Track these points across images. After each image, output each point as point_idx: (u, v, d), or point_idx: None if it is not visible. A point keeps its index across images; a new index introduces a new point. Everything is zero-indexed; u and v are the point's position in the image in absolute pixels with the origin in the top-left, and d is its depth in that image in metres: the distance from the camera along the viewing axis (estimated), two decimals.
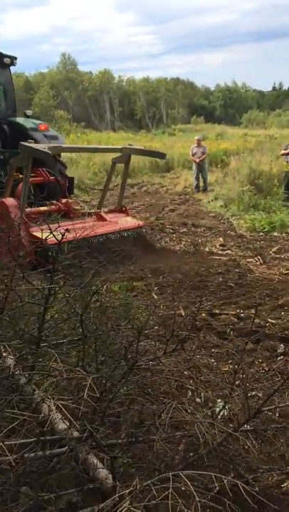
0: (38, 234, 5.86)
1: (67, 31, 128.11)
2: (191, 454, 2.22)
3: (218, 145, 23.19)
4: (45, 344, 2.53)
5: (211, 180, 15.95)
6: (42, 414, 1.93)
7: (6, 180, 7.31)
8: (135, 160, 20.12)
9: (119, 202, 8.50)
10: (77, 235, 4.58)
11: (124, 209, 8.27)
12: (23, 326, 2.79)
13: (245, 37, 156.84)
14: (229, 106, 66.85)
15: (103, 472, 1.97)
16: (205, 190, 14.84)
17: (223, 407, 2.35)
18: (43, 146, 6.52)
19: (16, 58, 8.59)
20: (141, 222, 8.23)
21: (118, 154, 8.13)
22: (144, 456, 2.14)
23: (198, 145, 15.13)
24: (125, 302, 3.17)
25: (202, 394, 3.26)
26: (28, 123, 8.45)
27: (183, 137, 36.39)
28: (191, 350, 3.65)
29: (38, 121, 8.78)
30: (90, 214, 7.91)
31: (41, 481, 1.85)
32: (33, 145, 6.59)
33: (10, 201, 6.69)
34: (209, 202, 13.01)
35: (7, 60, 8.44)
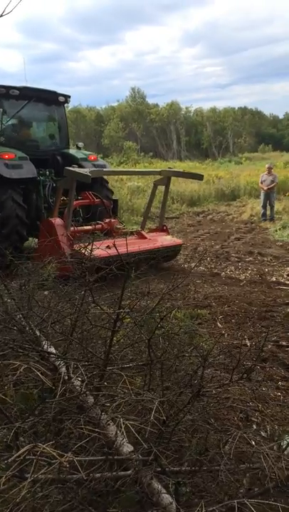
0: (83, 250, 6.28)
1: (137, 66, 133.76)
2: (256, 488, 2.16)
3: (286, 173, 22.79)
4: (111, 368, 2.60)
5: (278, 209, 15.65)
6: (109, 433, 1.98)
7: (53, 202, 8.11)
8: (201, 188, 20.30)
9: (160, 221, 9.17)
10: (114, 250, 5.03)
11: (164, 228, 8.91)
12: (90, 349, 2.89)
13: None
14: None
15: (167, 498, 1.98)
16: (272, 218, 14.58)
17: None
18: (85, 170, 7.27)
19: (69, 97, 9.50)
20: (179, 241, 8.84)
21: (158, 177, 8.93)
22: (207, 486, 2.12)
23: (269, 173, 14.96)
24: (190, 329, 3.19)
25: (268, 427, 3.17)
26: (79, 154, 9.35)
27: (250, 165, 36.18)
28: (257, 381, 3.57)
29: (88, 152, 9.70)
30: (131, 233, 8.51)
31: (106, 502, 1.88)
32: (76, 169, 7.37)
33: (57, 221, 7.36)
34: (276, 231, 12.74)
35: (62, 99, 9.33)
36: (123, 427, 1.70)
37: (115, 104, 64.32)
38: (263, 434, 3.11)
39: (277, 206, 15.77)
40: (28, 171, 8.04)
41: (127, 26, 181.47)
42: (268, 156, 49.94)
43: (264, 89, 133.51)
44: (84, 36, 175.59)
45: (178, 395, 2.14)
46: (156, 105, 64.46)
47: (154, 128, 60.36)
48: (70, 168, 7.29)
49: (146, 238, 8.11)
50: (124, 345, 3.04)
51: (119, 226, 8.60)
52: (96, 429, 1.81)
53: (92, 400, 2.47)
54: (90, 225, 8.21)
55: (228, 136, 60.80)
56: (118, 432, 1.92)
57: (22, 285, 3.33)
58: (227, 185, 21.31)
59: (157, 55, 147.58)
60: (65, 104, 9.66)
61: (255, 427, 3.21)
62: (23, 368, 1.85)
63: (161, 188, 9.22)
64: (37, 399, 2.35)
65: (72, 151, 9.56)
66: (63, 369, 2.76)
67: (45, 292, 4.34)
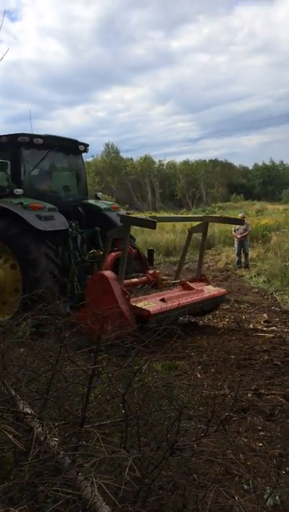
0: (140, 304, 5.97)
1: (110, 123, 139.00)
2: None
3: (258, 221, 23.44)
4: (88, 426, 2.56)
5: (252, 256, 15.99)
6: (85, 495, 1.94)
7: (102, 254, 7.54)
8: (177, 238, 20.63)
9: (198, 271, 8.76)
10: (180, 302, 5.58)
11: (203, 277, 8.53)
12: (67, 407, 2.85)
13: (280, 119, 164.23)
14: (268, 183, 68.36)
15: None
16: (246, 266, 14.86)
17: (271, 493, 2.26)
18: (144, 217, 6.71)
19: (88, 145, 9.19)
20: (223, 290, 8.53)
21: (195, 224, 8.66)
22: None
23: None
24: (167, 382, 3.19)
25: (250, 480, 3.12)
26: (101, 204, 8.94)
27: (223, 215, 37.07)
28: (236, 432, 3.54)
29: (110, 202, 9.39)
30: (174, 284, 8.12)
31: None
32: (137, 216, 6.88)
33: (109, 274, 6.77)
34: (252, 278, 12.96)
35: (81, 147, 9.02)
36: (96, 487, 1.67)
37: (90, 159, 65.97)
38: (245, 487, 3.06)
39: (251, 253, 16.13)
40: (61, 222, 7.49)
41: (100, 87, 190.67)
42: (240, 204, 51.51)
43: (232, 142, 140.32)
44: (58, 96, 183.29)
45: (155, 451, 2.11)
46: (131, 159, 66.52)
47: (128, 181, 61.89)
48: (130, 216, 6.73)
49: (193, 289, 7.71)
50: (102, 401, 3.00)
51: (164, 277, 8.24)
52: (72, 491, 1.78)
53: (69, 461, 2.41)
54: (137, 277, 7.79)
55: (201, 187, 62.63)
56: (94, 492, 1.88)
57: None
58: None
59: (129, 112, 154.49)
60: (83, 153, 9.28)
61: (237, 479, 3.16)
62: None
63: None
64: (12, 462, 2.29)
65: (92, 201, 9.11)
66: (39, 429, 2.71)
67: (21, 350, 4.29)
